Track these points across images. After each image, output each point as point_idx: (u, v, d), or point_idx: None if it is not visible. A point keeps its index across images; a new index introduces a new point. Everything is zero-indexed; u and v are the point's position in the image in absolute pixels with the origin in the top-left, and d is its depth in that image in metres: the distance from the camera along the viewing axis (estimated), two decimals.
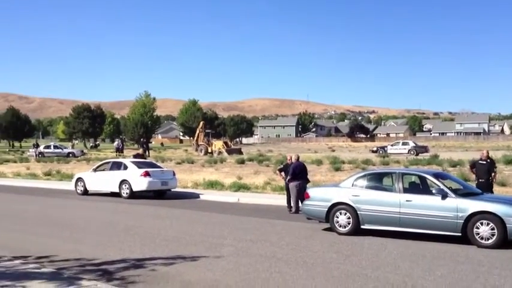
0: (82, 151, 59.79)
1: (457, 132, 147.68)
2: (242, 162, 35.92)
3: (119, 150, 51.11)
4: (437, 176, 11.24)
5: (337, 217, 11.33)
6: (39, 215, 15.16)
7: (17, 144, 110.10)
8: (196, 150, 61.43)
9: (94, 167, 22.23)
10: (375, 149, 57.29)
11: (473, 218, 9.86)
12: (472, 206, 9.99)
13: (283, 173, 16.49)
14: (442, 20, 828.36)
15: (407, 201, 10.55)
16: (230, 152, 54.89)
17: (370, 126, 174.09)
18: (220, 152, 55.56)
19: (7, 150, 78.18)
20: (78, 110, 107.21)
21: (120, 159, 24.17)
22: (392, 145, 57.40)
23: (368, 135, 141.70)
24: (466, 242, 9.94)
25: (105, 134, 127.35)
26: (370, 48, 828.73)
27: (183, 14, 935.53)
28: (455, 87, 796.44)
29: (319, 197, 11.86)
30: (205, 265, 8.38)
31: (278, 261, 8.69)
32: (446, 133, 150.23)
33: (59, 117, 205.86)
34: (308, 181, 15.66)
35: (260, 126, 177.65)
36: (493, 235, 9.66)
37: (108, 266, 8.29)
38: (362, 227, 11.10)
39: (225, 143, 61.86)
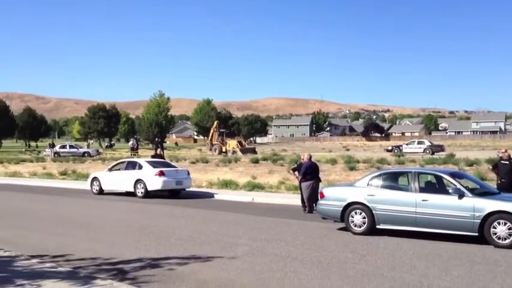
0: (97, 151, 60.37)
1: (473, 131, 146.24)
2: (256, 161, 35.94)
3: (134, 150, 51.39)
4: (453, 175, 11.13)
5: (352, 217, 11.28)
6: (56, 214, 15.28)
7: (33, 144, 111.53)
8: (211, 149, 61.59)
9: (109, 166, 22.38)
10: (390, 148, 56.99)
11: (491, 217, 9.75)
12: (489, 205, 9.88)
13: (296, 173, 16.45)
14: (460, 18, 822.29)
15: (423, 200, 10.47)
16: (244, 151, 54.91)
17: (385, 125, 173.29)
18: (234, 152, 55.66)
19: (23, 150, 79.31)
20: (93, 110, 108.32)
21: (135, 159, 24.36)
22: (407, 144, 57.06)
23: (383, 134, 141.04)
24: (483, 242, 9.84)
25: (120, 134, 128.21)
26: (386, 46, 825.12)
27: (195, 11, 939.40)
28: (471, 86, 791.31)
29: (334, 196, 11.81)
30: (220, 264, 8.38)
31: (293, 260, 8.66)
32: (462, 132, 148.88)
33: (75, 117, 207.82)
34: (320, 180, 15.62)
35: (274, 125, 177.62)
36: (510, 235, 9.55)
37: (123, 265, 8.33)
38: (377, 226, 11.03)
39: (239, 142, 61.97)
